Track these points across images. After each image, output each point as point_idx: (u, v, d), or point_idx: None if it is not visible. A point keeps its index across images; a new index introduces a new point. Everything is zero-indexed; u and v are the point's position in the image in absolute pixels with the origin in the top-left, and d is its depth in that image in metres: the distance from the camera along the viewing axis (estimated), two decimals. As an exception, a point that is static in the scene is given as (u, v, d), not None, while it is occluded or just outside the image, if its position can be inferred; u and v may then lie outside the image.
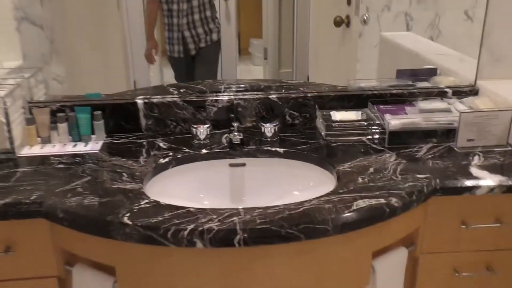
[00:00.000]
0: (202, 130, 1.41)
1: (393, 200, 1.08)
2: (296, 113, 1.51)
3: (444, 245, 1.24)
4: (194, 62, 1.61)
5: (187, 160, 1.35)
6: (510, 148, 1.34)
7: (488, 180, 1.17)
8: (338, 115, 1.46)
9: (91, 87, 1.51)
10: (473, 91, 1.53)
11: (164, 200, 1.12)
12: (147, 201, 1.10)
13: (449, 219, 1.22)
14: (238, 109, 1.49)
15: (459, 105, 1.45)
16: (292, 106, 1.51)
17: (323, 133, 1.43)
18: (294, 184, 1.35)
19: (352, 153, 1.33)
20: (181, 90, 1.58)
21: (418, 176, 1.19)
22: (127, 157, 1.32)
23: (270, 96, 1.50)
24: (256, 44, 1.66)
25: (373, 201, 1.08)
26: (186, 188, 1.35)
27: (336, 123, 1.43)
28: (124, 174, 1.22)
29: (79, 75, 1.56)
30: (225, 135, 1.44)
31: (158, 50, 1.56)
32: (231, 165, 1.38)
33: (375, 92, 1.51)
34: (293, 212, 1.04)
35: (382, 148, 1.35)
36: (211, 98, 1.48)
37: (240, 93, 1.50)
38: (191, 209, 1.07)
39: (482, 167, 1.24)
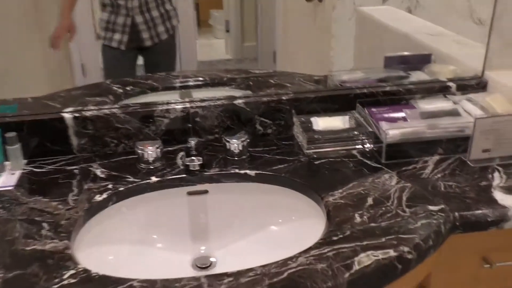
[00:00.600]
0: (150, 152, 1.10)
1: (406, 250, 0.82)
2: (268, 121, 1.22)
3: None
4: (145, 56, 1.29)
5: (132, 193, 1.05)
6: (533, 158, 1.09)
7: (518, 209, 0.92)
8: (320, 123, 1.17)
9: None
10: (480, 84, 1.27)
11: (103, 252, 0.84)
12: (72, 272, 0.79)
13: (469, 258, 0.97)
14: (196, 119, 1.19)
15: (467, 105, 1.18)
16: (264, 113, 1.21)
17: (304, 147, 1.15)
18: (271, 215, 1.07)
19: (342, 174, 1.05)
20: (127, 88, 1.27)
21: (431, 208, 0.92)
22: (52, 195, 1.01)
23: (236, 102, 1.20)
24: (217, 16, 1.45)
25: (380, 254, 0.81)
26: (133, 230, 1.05)
27: (320, 135, 1.15)
28: (44, 224, 0.91)
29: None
30: (181, 153, 1.14)
31: (74, 34, 1.22)
32: (190, 193, 1.09)
33: (365, 91, 1.23)
34: (275, 280, 0.76)
35: (379, 166, 1.08)
36: (161, 108, 1.17)
37: (198, 101, 1.19)
38: (135, 285, 0.77)
39: (507, 189, 0.98)
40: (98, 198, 1.00)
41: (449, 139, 1.11)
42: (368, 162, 1.10)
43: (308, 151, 1.14)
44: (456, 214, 0.91)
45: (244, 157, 1.13)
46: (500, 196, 0.96)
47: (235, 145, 1.12)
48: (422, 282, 0.95)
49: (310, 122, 1.19)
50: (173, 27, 1.28)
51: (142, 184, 1.06)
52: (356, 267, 0.78)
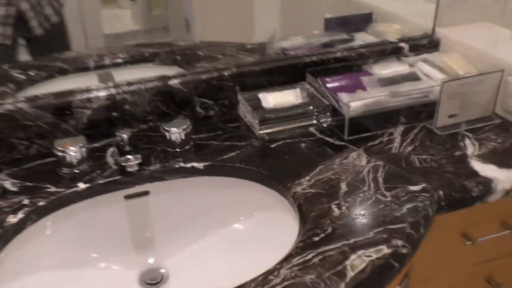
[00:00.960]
0: (73, 153, 0.90)
1: (400, 244, 0.71)
2: (209, 101, 1.05)
3: (441, 268, 0.92)
4: (34, 47, 1.04)
5: (55, 207, 0.85)
6: (498, 120, 1.02)
7: (501, 180, 0.84)
8: (270, 99, 1.03)
9: None
10: (432, 43, 1.17)
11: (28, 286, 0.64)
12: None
13: (450, 237, 0.89)
14: (125, 106, 0.99)
15: (423, 67, 1.09)
16: (204, 92, 1.04)
17: (255, 129, 1.00)
18: (229, 213, 0.92)
19: (304, 157, 0.92)
20: (31, 73, 1.04)
21: (412, 188, 0.82)
22: (-51, 223, 0.79)
23: (171, 83, 1.01)
24: (120, -17, 1.23)
25: (373, 253, 0.69)
26: (63, 251, 0.86)
27: (271, 113, 1.00)
28: None
29: None
30: (111, 150, 0.95)
31: None
32: (127, 197, 0.91)
33: (314, 58, 1.10)
34: (258, 305, 0.62)
35: (342, 143, 0.96)
36: (80, 97, 0.96)
37: (125, 85, 0.99)
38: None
39: (483, 157, 0.90)
40: (12, 219, 0.80)
41: (410, 106, 1.02)
42: (330, 140, 0.97)
43: (260, 132, 0.99)
44: (440, 192, 0.81)
45: (187, 147, 0.96)
46: (479, 167, 0.88)
47: (176, 134, 0.95)
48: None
49: (258, 99, 1.04)
50: (60, 4, 1.04)
51: (68, 194, 0.86)
52: (350, 273, 0.66)
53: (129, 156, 0.88)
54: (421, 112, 1.03)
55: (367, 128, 0.99)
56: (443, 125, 1.00)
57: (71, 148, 0.89)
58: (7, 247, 0.78)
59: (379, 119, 1.00)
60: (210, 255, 0.89)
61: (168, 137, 0.95)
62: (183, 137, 0.95)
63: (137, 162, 0.88)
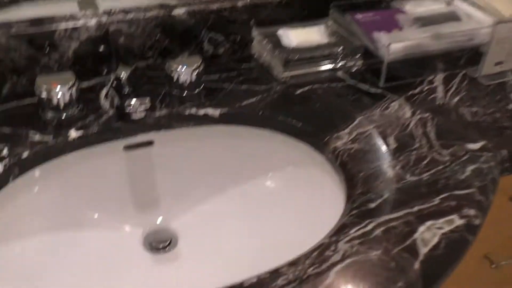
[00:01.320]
0: (61, 94, 0.73)
1: (472, 214, 0.60)
2: (219, 37, 0.89)
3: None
4: None
5: (42, 159, 0.69)
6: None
7: None
8: (293, 36, 0.87)
9: None
10: (468, -20, 1.04)
11: (12, 251, 0.53)
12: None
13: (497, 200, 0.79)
14: (119, 40, 0.82)
15: (462, 5, 0.96)
16: (213, 25, 0.87)
17: (278, 71, 0.85)
18: (253, 170, 0.78)
19: (337, 106, 0.79)
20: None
21: (471, 146, 0.71)
22: None
23: (175, 13, 0.84)
24: None
25: (444, 225, 0.58)
26: (55, 212, 0.71)
27: (296, 53, 0.85)
28: None
29: None
30: (105, 90, 0.79)
31: None
32: (127, 148, 0.76)
33: (340, -10, 0.94)
34: (321, 290, 0.50)
35: (378, 91, 0.83)
36: (62, 26, 0.78)
37: (119, 13, 0.81)
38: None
39: (539, 111, 0.80)
40: (-10, 174, 0.64)
41: (448, 51, 0.89)
42: (363, 86, 0.84)
43: (283, 75, 0.85)
44: (504, 152, 0.70)
45: (198, 90, 0.81)
46: (538, 121, 0.77)
47: (186, 74, 0.79)
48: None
49: (277, 36, 0.89)
50: None
51: (56, 144, 0.70)
52: (422, 249, 0.54)
53: (133, 100, 0.72)
54: (460, 57, 0.91)
55: (403, 75, 0.86)
56: (488, 73, 0.88)
57: (59, 87, 0.72)
58: (-16, 209, 0.63)
59: (417, 65, 0.87)
60: (227, 217, 0.76)
61: (175, 78, 0.79)
62: (193, 78, 0.79)
63: (144, 106, 0.72)
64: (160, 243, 0.76)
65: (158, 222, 0.77)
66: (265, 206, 0.75)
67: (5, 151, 0.67)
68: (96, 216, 0.75)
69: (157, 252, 0.75)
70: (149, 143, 0.77)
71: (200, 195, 0.78)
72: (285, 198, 0.74)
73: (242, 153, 0.78)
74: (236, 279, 0.64)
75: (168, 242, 0.76)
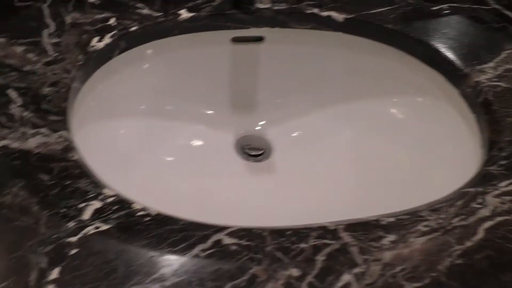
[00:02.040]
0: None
1: None
2: None
3: None
4: None
5: (149, 36, 0.62)
6: None
7: None
8: None
9: None
10: None
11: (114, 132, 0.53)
12: (96, 205, 0.41)
13: None
14: None
15: None
16: None
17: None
18: (372, 89, 0.70)
19: (479, 33, 0.68)
20: None
21: None
22: (13, 30, 0.56)
23: None
24: None
25: None
26: (154, 95, 0.66)
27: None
28: (14, 95, 0.49)
29: None
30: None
31: None
32: (236, 40, 0.68)
33: None
34: (468, 245, 0.44)
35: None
36: None
37: None
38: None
39: None
40: (98, 44, 0.57)
41: None
42: (511, 14, 0.72)
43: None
44: None
45: (322, -13, 0.70)
46: None
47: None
48: None
49: None
50: None
51: (166, 22, 0.63)
52: None
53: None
54: None
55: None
56: None
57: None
58: (89, 80, 0.57)
59: None
60: (331, 137, 0.70)
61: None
62: (321, -29, 0.69)
63: (271, -2, 0.63)
64: (253, 150, 0.70)
65: (255, 128, 0.71)
66: (380, 133, 0.68)
67: (112, 21, 0.60)
68: (191, 107, 0.69)
69: (248, 159, 0.70)
70: (259, 39, 0.69)
71: (304, 107, 0.71)
72: (406, 129, 0.66)
73: (360, 69, 0.70)
74: (335, 207, 0.59)
75: (262, 151, 0.70)
